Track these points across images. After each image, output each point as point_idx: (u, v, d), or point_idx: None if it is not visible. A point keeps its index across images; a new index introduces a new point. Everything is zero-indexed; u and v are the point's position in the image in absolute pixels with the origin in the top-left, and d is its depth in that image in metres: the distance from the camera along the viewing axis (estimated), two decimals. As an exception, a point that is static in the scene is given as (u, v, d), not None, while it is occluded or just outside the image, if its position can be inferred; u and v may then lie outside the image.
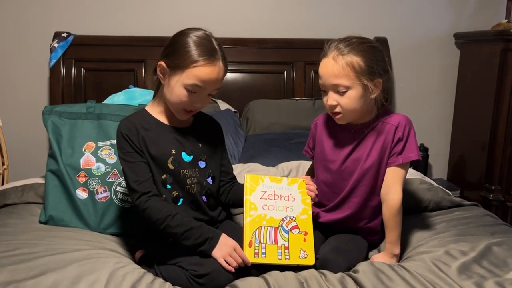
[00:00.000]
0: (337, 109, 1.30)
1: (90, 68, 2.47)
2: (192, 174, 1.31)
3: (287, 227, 1.22)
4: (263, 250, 1.18)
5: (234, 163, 2.02)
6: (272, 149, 2.08)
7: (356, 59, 1.24)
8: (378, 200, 1.37)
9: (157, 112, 1.34)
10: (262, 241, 1.20)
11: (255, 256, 1.18)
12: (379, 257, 1.34)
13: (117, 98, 1.95)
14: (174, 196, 1.29)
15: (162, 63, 1.27)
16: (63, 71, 2.44)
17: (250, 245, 1.20)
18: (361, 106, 1.30)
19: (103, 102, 1.91)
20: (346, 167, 1.36)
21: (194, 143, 1.34)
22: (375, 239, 1.45)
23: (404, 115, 1.36)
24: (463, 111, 2.73)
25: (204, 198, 1.34)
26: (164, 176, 1.28)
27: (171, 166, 1.29)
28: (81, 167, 1.55)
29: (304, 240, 1.25)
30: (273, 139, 2.20)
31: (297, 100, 2.44)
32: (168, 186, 1.29)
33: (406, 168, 1.34)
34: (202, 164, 1.35)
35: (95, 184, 1.55)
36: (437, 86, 2.82)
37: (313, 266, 1.24)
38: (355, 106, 1.28)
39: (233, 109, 2.40)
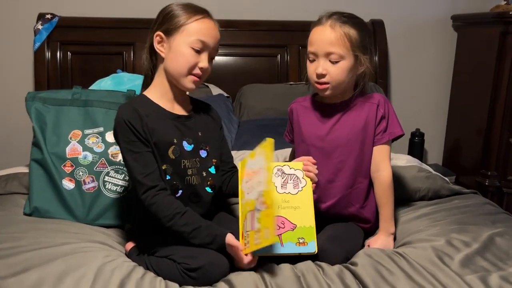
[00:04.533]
0: (326, 79, 1.28)
1: (77, 51, 2.37)
2: (192, 165, 1.25)
3: (259, 206, 1.10)
4: (248, 239, 1.11)
5: None
6: (267, 135, 1.94)
7: (352, 31, 1.27)
8: (366, 183, 1.35)
9: (157, 97, 1.27)
10: (247, 229, 1.12)
11: (245, 247, 1.11)
12: (375, 240, 1.33)
13: (104, 84, 1.87)
14: (173, 187, 1.23)
15: (159, 33, 1.21)
16: (48, 54, 2.33)
17: (242, 237, 1.14)
18: (348, 80, 1.30)
19: (89, 88, 1.84)
20: (326, 147, 1.34)
21: (194, 131, 1.29)
22: (369, 227, 1.42)
23: (380, 94, 1.38)
24: (459, 95, 2.69)
25: (208, 189, 1.28)
26: (164, 166, 1.22)
27: (172, 156, 1.23)
28: (67, 156, 1.49)
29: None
30: (267, 124, 2.13)
31: (291, 84, 2.38)
32: (168, 177, 1.23)
33: (390, 144, 1.36)
34: (203, 153, 1.29)
35: (82, 174, 1.48)
36: (434, 69, 2.77)
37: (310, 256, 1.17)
38: (344, 77, 1.28)
39: (225, 94, 2.33)
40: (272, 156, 1.17)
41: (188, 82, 1.24)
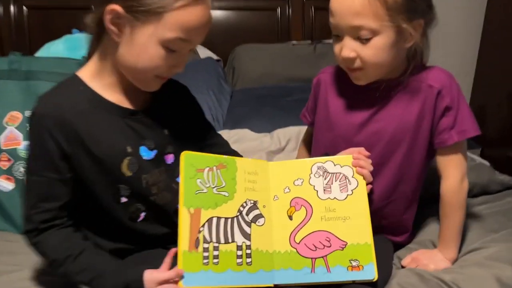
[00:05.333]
0: (357, 64, 0.95)
1: (34, 5, 2.15)
2: (157, 179, 0.91)
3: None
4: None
5: (217, 129, 1.69)
6: (265, 109, 1.79)
7: None
8: (410, 193, 1.06)
9: (99, 86, 0.89)
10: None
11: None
12: (423, 255, 1.04)
13: (54, 48, 1.58)
14: (133, 213, 0.90)
15: (117, 7, 0.80)
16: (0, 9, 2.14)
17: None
18: (391, 60, 0.95)
19: (34, 55, 1.61)
20: (361, 142, 1.02)
21: (157, 130, 0.92)
22: (402, 241, 1.13)
23: (443, 70, 1.02)
24: (488, 56, 2.45)
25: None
26: (116, 188, 0.88)
27: (127, 172, 0.87)
28: (2, 147, 1.23)
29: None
30: (266, 95, 1.94)
31: (294, 44, 2.19)
32: (124, 199, 0.88)
33: (463, 147, 1.02)
34: (170, 159, 0.94)
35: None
36: (459, 27, 2.51)
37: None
38: (383, 59, 0.94)
39: (215, 57, 2.15)
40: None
41: (151, 85, 0.88)
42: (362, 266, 0.85)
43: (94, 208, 0.89)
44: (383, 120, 1.01)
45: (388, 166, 1.01)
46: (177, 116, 0.95)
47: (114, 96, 0.88)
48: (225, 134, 1.57)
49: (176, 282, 0.79)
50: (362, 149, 0.95)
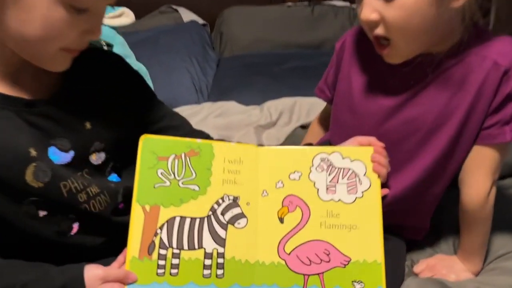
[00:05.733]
0: (379, 30, 0.71)
1: None
2: (82, 185, 0.69)
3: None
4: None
5: (201, 101, 1.55)
6: (256, 79, 1.61)
7: None
8: (444, 187, 0.85)
9: None
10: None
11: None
12: (441, 263, 0.86)
13: None
14: (58, 225, 0.68)
15: None
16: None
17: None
18: (429, 26, 0.70)
19: None
20: (390, 132, 0.79)
21: (72, 124, 0.69)
22: (419, 238, 0.94)
23: (508, 39, 0.75)
24: None
25: (121, 205, 0.73)
26: (29, 202, 0.66)
27: (33, 183, 0.64)
28: None
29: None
30: (258, 63, 1.75)
31: (289, 6, 2.02)
32: (42, 213, 0.67)
33: (507, 150, 0.80)
34: (97, 159, 0.71)
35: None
36: None
37: None
38: (414, 24, 0.69)
39: (201, 21, 1.98)
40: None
41: (57, 61, 0.64)
42: None
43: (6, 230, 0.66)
44: (422, 105, 0.77)
45: (419, 163, 0.80)
46: (106, 100, 0.72)
47: (5, 84, 0.65)
48: (208, 107, 1.39)
49: (124, 283, 0.62)
50: (377, 141, 0.72)
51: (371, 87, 0.80)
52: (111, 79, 0.73)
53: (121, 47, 1.45)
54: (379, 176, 0.69)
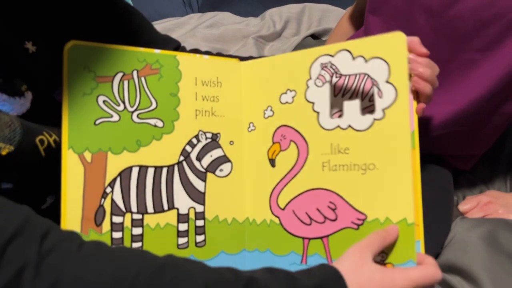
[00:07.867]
0: None
1: None
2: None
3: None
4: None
5: (189, 12, 1.28)
6: None
7: None
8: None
9: None
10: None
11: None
12: (497, 201, 0.68)
13: None
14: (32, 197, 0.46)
15: None
16: None
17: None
18: None
19: None
20: (462, 15, 0.55)
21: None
22: (466, 168, 0.74)
23: None
24: None
25: None
26: None
27: None
28: None
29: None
30: None
31: None
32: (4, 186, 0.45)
33: None
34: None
35: None
36: None
37: None
38: None
39: None
40: None
41: None
42: (392, 265, 0.44)
43: None
44: None
45: (491, 68, 0.56)
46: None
47: None
48: (196, 17, 1.12)
49: None
50: (417, 40, 0.46)
51: None
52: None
53: None
54: (420, 95, 0.45)
